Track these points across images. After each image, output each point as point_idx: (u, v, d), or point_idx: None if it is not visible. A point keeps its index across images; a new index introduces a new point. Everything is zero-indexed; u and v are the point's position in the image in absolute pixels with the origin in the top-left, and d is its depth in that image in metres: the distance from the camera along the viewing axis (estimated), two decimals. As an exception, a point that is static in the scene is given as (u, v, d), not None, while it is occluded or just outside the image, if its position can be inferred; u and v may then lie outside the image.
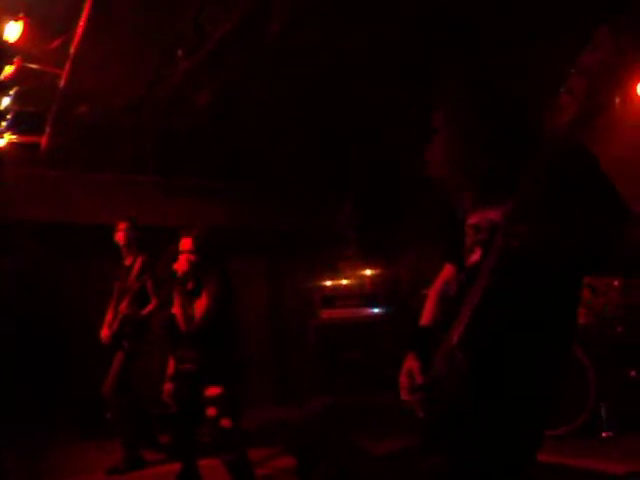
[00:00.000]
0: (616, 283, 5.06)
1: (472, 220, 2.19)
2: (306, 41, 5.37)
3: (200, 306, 4.07)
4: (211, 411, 3.89)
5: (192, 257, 4.23)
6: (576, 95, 1.83)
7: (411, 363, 2.21)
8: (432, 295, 2.43)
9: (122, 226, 5.73)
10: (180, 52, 5.63)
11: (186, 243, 4.31)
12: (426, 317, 2.38)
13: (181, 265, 4.22)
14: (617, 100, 5.62)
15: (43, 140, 7.00)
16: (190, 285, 4.25)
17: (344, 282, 7.88)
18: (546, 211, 1.88)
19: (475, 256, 2.11)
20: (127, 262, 5.73)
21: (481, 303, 1.92)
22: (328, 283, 7.84)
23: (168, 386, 4.44)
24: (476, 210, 2.18)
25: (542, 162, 1.85)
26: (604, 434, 4.86)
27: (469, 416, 1.96)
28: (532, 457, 2.04)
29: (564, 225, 1.87)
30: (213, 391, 3.91)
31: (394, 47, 5.49)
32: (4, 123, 6.47)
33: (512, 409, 1.95)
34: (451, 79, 2.22)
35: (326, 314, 7.38)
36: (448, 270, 2.42)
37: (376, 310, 7.29)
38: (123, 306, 5.50)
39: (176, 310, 4.18)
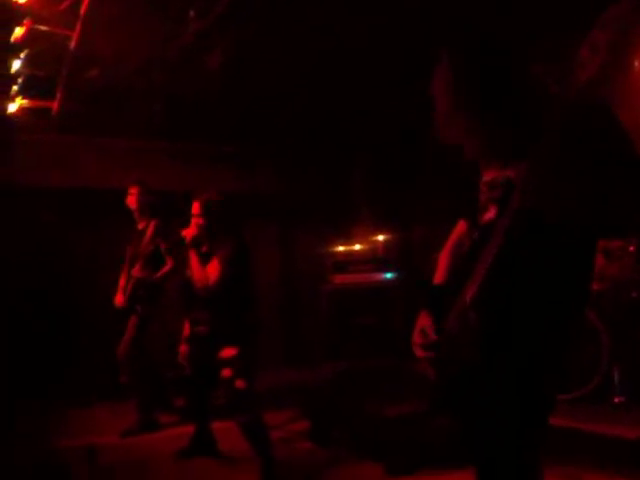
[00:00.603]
0: (631, 248, 5.02)
1: (487, 177, 2.15)
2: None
3: (213, 270, 4.07)
4: (226, 372, 3.91)
5: (200, 221, 4.22)
6: (597, 51, 1.78)
7: (424, 321, 2.20)
8: (445, 252, 2.40)
9: (133, 190, 5.72)
10: (192, 13, 5.57)
11: (195, 207, 4.31)
12: (439, 275, 2.36)
13: (190, 230, 4.21)
14: (637, 64, 5.48)
15: (54, 105, 6.97)
16: (204, 248, 4.25)
17: (356, 247, 7.86)
18: (562, 171, 1.85)
19: (489, 214, 2.08)
20: (140, 226, 5.74)
21: (495, 263, 1.90)
22: (340, 248, 7.83)
23: (183, 348, 4.48)
24: (490, 167, 2.14)
25: (558, 121, 1.80)
26: (616, 399, 4.85)
27: (481, 377, 1.96)
28: (544, 420, 2.04)
29: (580, 186, 1.84)
30: (228, 352, 3.93)
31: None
32: (15, 87, 6.45)
33: (524, 370, 1.94)
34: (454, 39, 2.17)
35: (338, 279, 7.38)
36: (461, 226, 2.39)
37: (388, 275, 7.27)
38: (136, 270, 5.51)
39: (191, 272, 4.19)
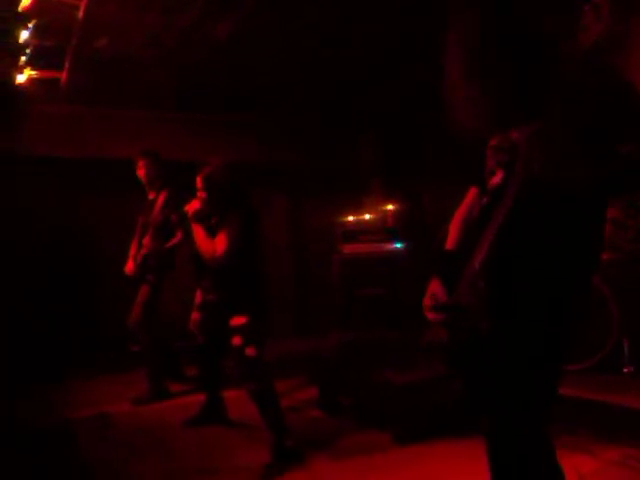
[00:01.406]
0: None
1: (493, 142, 2.15)
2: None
3: (220, 242, 4.06)
4: (236, 340, 3.93)
5: (203, 195, 4.20)
6: (601, 12, 1.75)
7: (435, 287, 2.22)
8: (456, 220, 2.41)
9: (142, 162, 5.71)
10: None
11: (198, 181, 4.28)
12: (451, 242, 2.37)
13: (193, 204, 4.20)
14: None
15: (63, 75, 6.94)
16: (214, 219, 4.24)
17: (366, 217, 7.85)
18: (568, 133, 1.83)
19: (496, 178, 2.08)
20: (150, 196, 5.74)
21: (503, 228, 1.90)
22: (350, 218, 7.81)
23: (195, 315, 4.52)
24: (496, 132, 2.13)
25: (564, 83, 1.78)
26: (625, 369, 4.87)
27: (490, 344, 1.97)
28: (553, 388, 2.05)
29: (586, 148, 1.83)
30: (238, 320, 3.94)
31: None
32: (24, 58, 6.43)
33: (532, 337, 1.95)
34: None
35: (348, 249, 7.38)
36: (472, 193, 2.39)
37: (398, 245, 7.27)
38: (146, 239, 5.53)
39: (197, 245, 4.19)
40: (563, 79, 1.79)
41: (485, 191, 2.18)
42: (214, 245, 4.07)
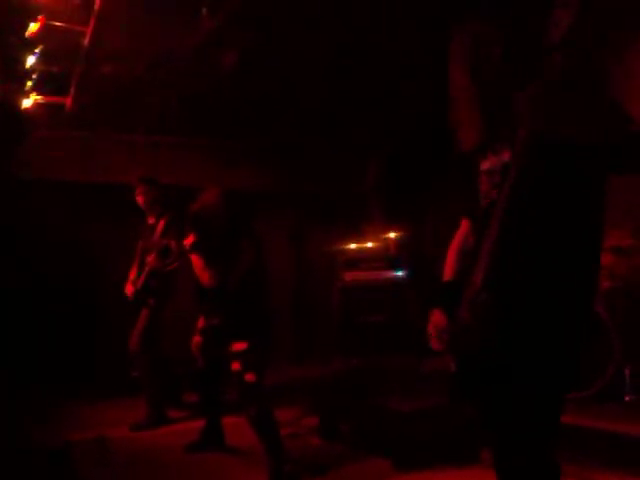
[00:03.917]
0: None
1: (485, 165, 2.17)
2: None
3: (221, 271, 4.07)
4: (236, 365, 3.93)
5: (195, 231, 4.21)
6: (570, 7, 1.78)
7: (437, 317, 2.22)
8: (452, 251, 2.44)
9: (139, 189, 5.72)
10: (204, 11, 5.59)
11: (189, 219, 4.28)
12: (448, 272, 2.40)
13: (189, 237, 4.21)
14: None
15: (68, 100, 7.01)
16: (216, 245, 4.21)
17: (368, 244, 7.85)
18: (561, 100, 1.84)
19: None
20: (150, 221, 5.75)
21: (500, 241, 1.90)
22: (352, 245, 7.82)
23: (196, 339, 4.52)
24: (487, 155, 2.15)
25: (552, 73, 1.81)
26: (627, 397, 4.83)
27: (497, 362, 1.95)
28: (558, 414, 2.03)
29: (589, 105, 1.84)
30: (239, 346, 3.94)
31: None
32: (30, 83, 6.50)
33: (539, 351, 1.93)
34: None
35: (349, 276, 7.39)
36: (465, 225, 2.42)
37: (399, 273, 7.27)
38: (150, 259, 5.51)
39: (196, 274, 4.20)
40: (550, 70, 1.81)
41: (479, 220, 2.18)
42: (214, 274, 4.08)
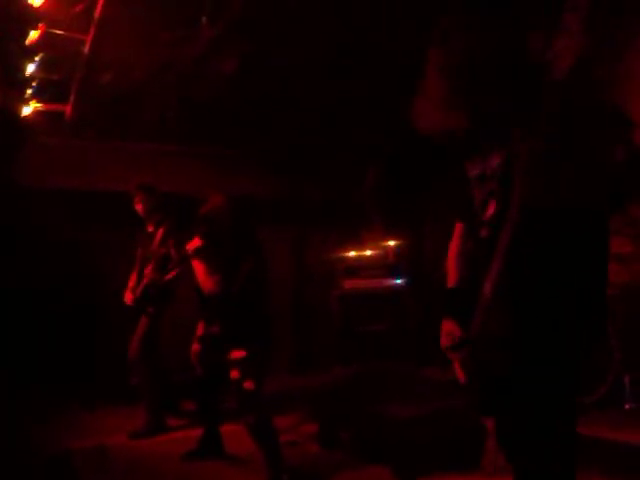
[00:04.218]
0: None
1: (473, 172, 2.16)
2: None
3: (223, 278, 4.07)
4: (234, 373, 3.92)
5: (203, 233, 4.21)
6: (572, 35, 1.77)
7: (449, 326, 2.21)
8: (451, 256, 2.42)
9: (137, 197, 5.71)
10: (204, 19, 5.60)
11: (198, 220, 4.27)
12: (452, 278, 2.37)
13: (194, 242, 4.21)
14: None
15: (67, 108, 7.02)
16: (220, 252, 4.21)
17: (367, 252, 7.86)
18: (559, 156, 1.84)
19: (490, 209, 2.08)
20: (149, 229, 5.74)
21: (509, 255, 1.90)
22: (351, 253, 7.83)
23: (195, 347, 4.51)
24: (475, 160, 2.15)
25: (550, 106, 1.80)
26: (627, 405, 4.83)
27: (512, 372, 1.95)
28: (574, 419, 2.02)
29: (579, 167, 1.84)
30: (237, 354, 3.94)
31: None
32: (30, 90, 6.51)
33: (553, 363, 1.94)
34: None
35: (349, 284, 7.39)
36: (459, 228, 2.41)
37: (399, 281, 7.27)
38: (148, 270, 5.52)
39: (197, 280, 4.20)
40: (549, 97, 1.80)
41: (481, 223, 2.18)
42: (214, 281, 4.08)
